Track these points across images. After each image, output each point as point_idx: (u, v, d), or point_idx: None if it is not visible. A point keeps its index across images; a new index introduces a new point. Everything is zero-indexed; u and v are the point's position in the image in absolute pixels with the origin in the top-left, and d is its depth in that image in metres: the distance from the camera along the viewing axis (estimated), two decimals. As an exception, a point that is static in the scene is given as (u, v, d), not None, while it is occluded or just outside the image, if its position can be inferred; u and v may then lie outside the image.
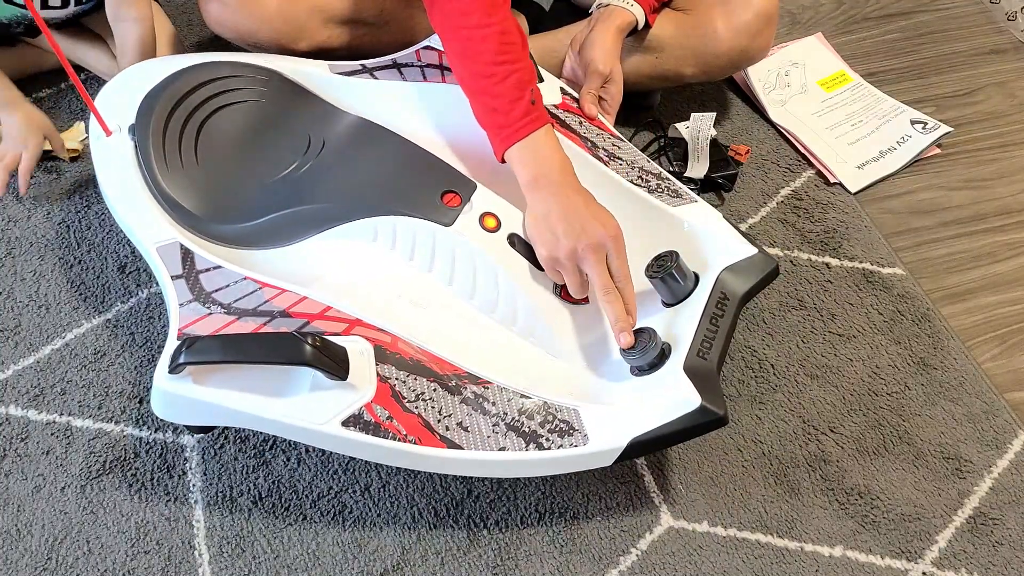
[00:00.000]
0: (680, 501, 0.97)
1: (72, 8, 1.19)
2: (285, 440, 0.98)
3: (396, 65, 1.12)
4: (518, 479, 0.96)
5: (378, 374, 0.85)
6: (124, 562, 0.90)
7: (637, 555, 0.93)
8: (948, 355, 1.11)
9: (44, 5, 1.17)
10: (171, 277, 0.90)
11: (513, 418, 0.86)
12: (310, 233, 0.99)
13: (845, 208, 1.26)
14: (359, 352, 0.85)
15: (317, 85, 1.10)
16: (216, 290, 0.90)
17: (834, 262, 1.20)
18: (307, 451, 0.97)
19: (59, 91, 1.29)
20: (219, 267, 0.91)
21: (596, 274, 0.92)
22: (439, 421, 0.84)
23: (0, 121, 1.12)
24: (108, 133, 1.02)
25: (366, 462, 0.97)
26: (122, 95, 1.05)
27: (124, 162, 1.00)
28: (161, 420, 0.98)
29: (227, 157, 1.04)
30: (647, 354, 0.90)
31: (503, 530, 0.94)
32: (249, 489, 0.95)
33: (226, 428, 0.98)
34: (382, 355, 0.86)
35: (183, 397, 0.83)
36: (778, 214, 1.24)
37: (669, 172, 1.19)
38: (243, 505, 0.94)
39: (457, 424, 0.85)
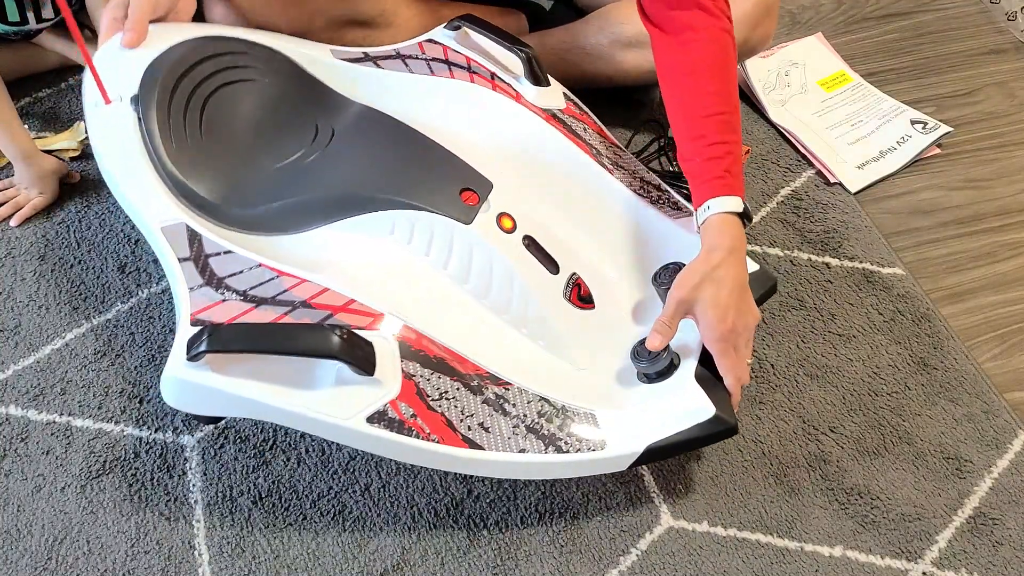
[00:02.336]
0: (680, 501, 0.97)
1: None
2: (285, 440, 0.98)
3: (400, 56, 1.09)
4: (517, 479, 0.96)
5: (403, 371, 0.83)
6: (124, 562, 0.90)
7: (637, 555, 0.93)
8: (948, 355, 1.11)
9: (39, 19, 1.18)
10: (179, 259, 0.85)
11: (533, 420, 0.86)
12: (321, 222, 0.95)
13: (845, 208, 1.26)
14: (385, 347, 0.83)
15: (323, 72, 1.06)
16: (229, 276, 0.85)
17: (834, 262, 1.20)
18: (307, 451, 0.97)
19: (59, 91, 1.29)
20: (230, 252, 0.87)
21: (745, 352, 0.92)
22: (461, 421, 0.83)
23: (19, 169, 1.14)
24: (108, 101, 0.94)
25: (366, 462, 0.97)
26: (119, 63, 0.97)
27: (126, 134, 0.93)
28: (161, 420, 0.98)
29: (234, 136, 0.99)
30: (657, 363, 0.91)
31: (503, 530, 0.94)
32: (249, 489, 0.95)
33: (226, 427, 0.98)
34: (407, 351, 0.84)
35: (201, 386, 0.79)
36: (778, 214, 1.24)
37: (669, 172, 1.19)
38: (243, 505, 0.94)
39: (479, 424, 0.84)
